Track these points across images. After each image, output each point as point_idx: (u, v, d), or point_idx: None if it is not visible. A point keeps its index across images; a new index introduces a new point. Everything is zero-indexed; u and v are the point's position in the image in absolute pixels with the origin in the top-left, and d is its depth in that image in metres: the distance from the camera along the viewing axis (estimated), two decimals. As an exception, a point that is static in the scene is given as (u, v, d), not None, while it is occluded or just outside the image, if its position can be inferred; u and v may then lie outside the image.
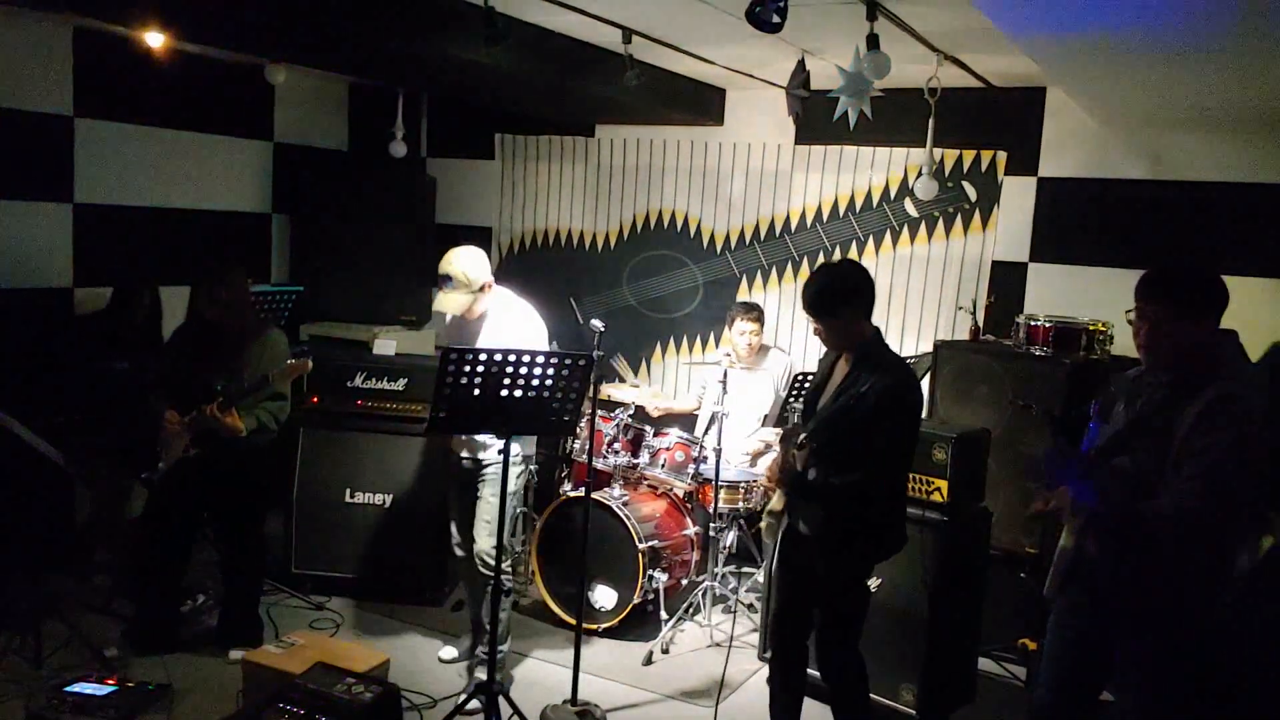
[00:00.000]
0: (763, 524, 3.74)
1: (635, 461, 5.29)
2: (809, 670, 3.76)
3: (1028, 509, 3.25)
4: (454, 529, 4.55)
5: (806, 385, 5.23)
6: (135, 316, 5.39)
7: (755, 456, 5.50)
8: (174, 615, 4.66)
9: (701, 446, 5.26)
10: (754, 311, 5.68)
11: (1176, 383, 2.83)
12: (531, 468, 5.12)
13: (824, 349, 3.70)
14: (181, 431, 4.33)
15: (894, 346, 5.95)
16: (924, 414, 5.34)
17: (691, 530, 5.26)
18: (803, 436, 3.50)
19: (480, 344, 4.23)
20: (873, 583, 4.21)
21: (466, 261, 4.13)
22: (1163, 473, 2.76)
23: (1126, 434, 2.89)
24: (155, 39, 4.98)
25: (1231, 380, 2.76)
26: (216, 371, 4.32)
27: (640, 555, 4.84)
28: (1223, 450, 2.67)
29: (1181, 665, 2.87)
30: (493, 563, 4.20)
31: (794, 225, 6.35)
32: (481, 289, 4.17)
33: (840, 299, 3.43)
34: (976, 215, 5.82)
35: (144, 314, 5.44)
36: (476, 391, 3.55)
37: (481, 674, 4.42)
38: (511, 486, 4.36)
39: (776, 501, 3.60)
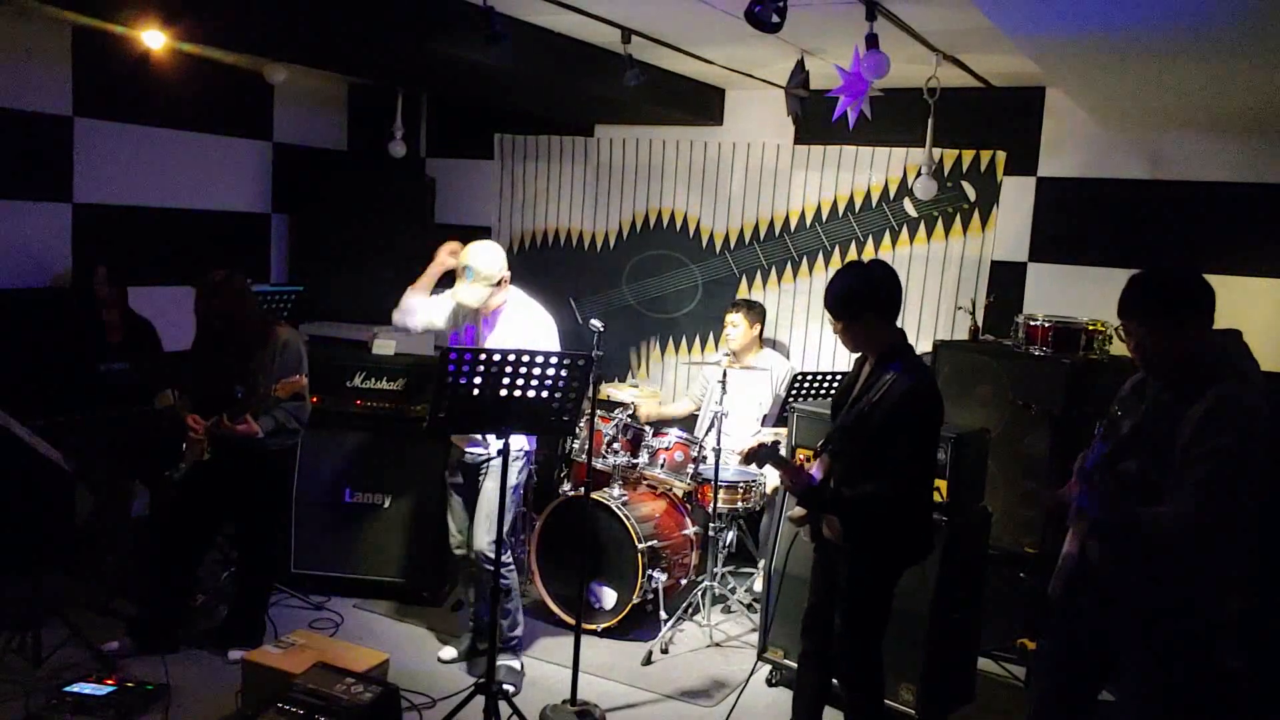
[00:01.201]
0: (798, 528, 3.69)
1: (634, 461, 5.29)
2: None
3: (1031, 506, 3.24)
4: (453, 528, 4.56)
5: (806, 386, 5.25)
6: (104, 311, 5.34)
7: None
8: (178, 616, 4.66)
9: (701, 446, 5.26)
10: (744, 306, 5.77)
11: (1178, 387, 2.81)
12: (530, 467, 5.12)
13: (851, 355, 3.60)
14: (202, 437, 4.34)
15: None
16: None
17: (691, 530, 5.26)
18: (820, 443, 3.47)
19: (490, 343, 4.27)
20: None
21: (487, 254, 4.23)
22: (1167, 477, 2.75)
23: (1131, 439, 2.88)
24: (155, 39, 4.97)
25: (1232, 381, 2.74)
26: (232, 378, 4.32)
27: (639, 555, 4.84)
28: (1224, 455, 2.65)
29: (1183, 668, 2.87)
30: (492, 556, 4.19)
31: (793, 225, 6.36)
32: (499, 283, 4.26)
33: (864, 303, 3.33)
34: (976, 215, 5.82)
35: (113, 307, 5.38)
36: (476, 391, 3.55)
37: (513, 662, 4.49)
38: (512, 480, 4.38)
39: (797, 509, 3.55)
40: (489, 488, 4.33)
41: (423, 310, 4.47)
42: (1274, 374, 4.79)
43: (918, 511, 3.44)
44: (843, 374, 5.20)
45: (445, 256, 4.43)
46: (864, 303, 3.33)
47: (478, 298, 4.23)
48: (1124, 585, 2.88)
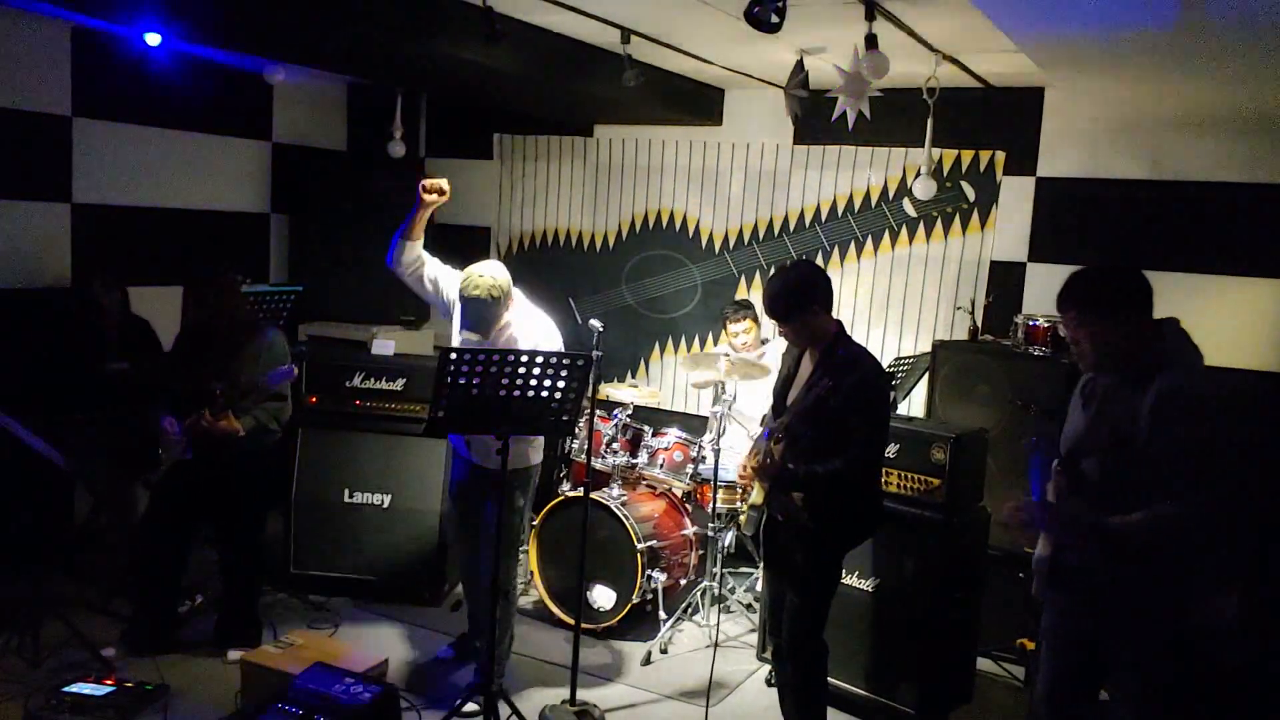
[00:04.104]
0: (742, 518, 3.80)
1: (634, 461, 5.28)
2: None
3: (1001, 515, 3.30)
4: (464, 545, 4.39)
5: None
6: (105, 315, 5.35)
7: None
8: (172, 616, 4.66)
9: (701, 447, 5.25)
10: (743, 310, 5.59)
11: (1126, 379, 2.85)
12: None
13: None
14: (179, 437, 4.33)
15: (892, 346, 6.01)
16: (921, 413, 5.41)
17: (690, 530, 5.26)
18: (774, 429, 3.59)
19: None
20: (870, 583, 4.25)
21: (493, 276, 3.94)
22: (1127, 473, 2.77)
23: (1087, 437, 2.92)
24: (154, 39, 4.98)
25: (1176, 371, 2.77)
26: (213, 375, 4.32)
27: (639, 555, 4.84)
28: (1183, 449, 2.68)
29: (1174, 664, 2.89)
30: (507, 579, 4.15)
31: (793, 225, 6.36)
32: (508, 295, 4.04)
33: (803, 300, 3.52)
34: (975, 215, 5.82)
35: (114, 311, 5.39)
36: (475, 391, 3.55)
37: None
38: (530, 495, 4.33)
39: (757, 495, 3.67)
40: (519, 505, 4.21)
41: (429, 265, 4.22)
42: (1273, 374, 4.83)
43: (875, 485, 3.73)
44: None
45: (430, 197, 4.10)
46: (808, 297, 3.53)
47: (498, 320, 4.03)
48: (1108, 585, 2.88)
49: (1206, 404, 2.73)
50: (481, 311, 3.94)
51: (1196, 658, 2.90)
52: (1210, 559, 2.84)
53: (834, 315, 3.64)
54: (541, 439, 4.34)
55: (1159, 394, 2.72)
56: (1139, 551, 2.78)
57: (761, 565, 3.92)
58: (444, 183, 4.13)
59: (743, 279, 6.52)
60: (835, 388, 3.43)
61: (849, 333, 3.68)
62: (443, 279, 4.26)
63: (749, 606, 5.30)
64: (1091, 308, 2.87)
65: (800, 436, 3.51)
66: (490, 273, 3.95)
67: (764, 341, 5.73)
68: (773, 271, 3.85)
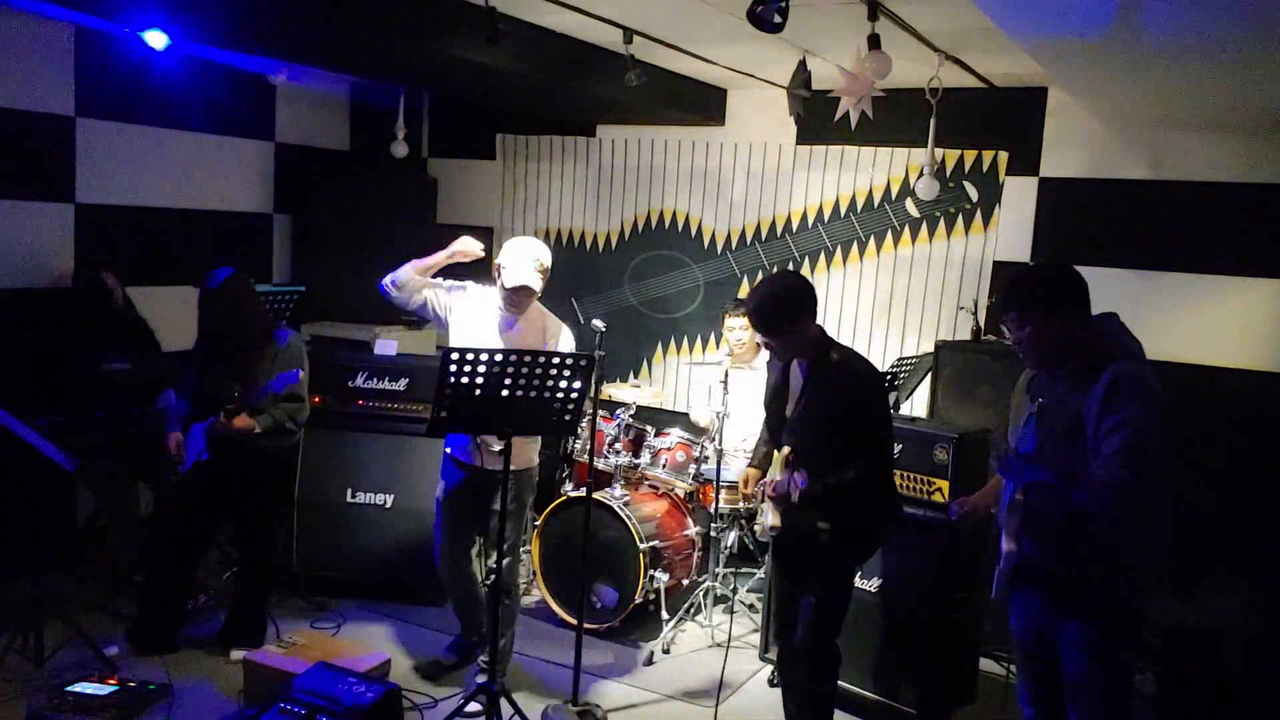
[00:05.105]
0: (758, 528, 3.77)
1: (636, 461, 5.28)
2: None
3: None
4: (454, 549, 4.35)
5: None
6: (111, 308, 5.34)
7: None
8: (179, 616, 4.66)
9: (703, 446, 5.25)
10: (743, 306, 5.41)
11: (1075, 373, 2.91)
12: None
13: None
14: (178, 457, 4.34)
15: (895, 346, 6.00)
16: (924, 414, 5.41)
17: (693, 530, 5.26)
18: (777, 442, 3.56)
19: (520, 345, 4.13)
20: (872, 583, 4.25)
21: (544, 248, 4.09)
22: (1085, 463, 2.82)
23: (1041, 432, 2.96)
24: (157, 39, 4.98)
25: (1122, 361, 2.85)
26: (231, 378, 4.33)
27: (641, 555, 4.84)
28: (1136, 423, 2.74)
29: (1123, 649, 2.96)
30: (509, 578, 4.18)
31: (795, 225, 6.35)
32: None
33: (791, 311, 3.46)
34: (978, 215, 5.82)
35: (118, 305, 5.38)
36: (478, 391, 3.55)
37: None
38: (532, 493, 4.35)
39: (774, 519, 3.57)
40: (522, 505, 4.24)
41: (425, 289, 4.20)
42: (1273, 374, 4.82)
43: (890, 486, 3.71)
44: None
45: (457, 249, 4.24)
46: (797, 307, 3.47)
47: (538, 284, 4.06)
48: (1058, 572, 2.94)
49: (1151, 388, 2.82)
50: (539, 270, 4.03)
51: (1141, 640, 2.97)
52: (1159, 551, 2.90)
53: (820, 320, 3.58)
54: (539, 438, 4.34)
55: (1107, 383, 2.80)
56: (1088, 526, 2.85)
57: (771, 568, 3.89)
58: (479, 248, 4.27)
59: (745, 279, 6.52)
60: (834, 395, 3.40)
61: (852, 333, 3.67)
62: (438, 293, 4.26)
63: (751, 606, 5.30)
64: (1029, 306, 2.94)
65: (806, 449, 3.47)
66: (540, 242, 4.12)
67: (760, 346, 5.62)
68: (757, 282, 3.78)
